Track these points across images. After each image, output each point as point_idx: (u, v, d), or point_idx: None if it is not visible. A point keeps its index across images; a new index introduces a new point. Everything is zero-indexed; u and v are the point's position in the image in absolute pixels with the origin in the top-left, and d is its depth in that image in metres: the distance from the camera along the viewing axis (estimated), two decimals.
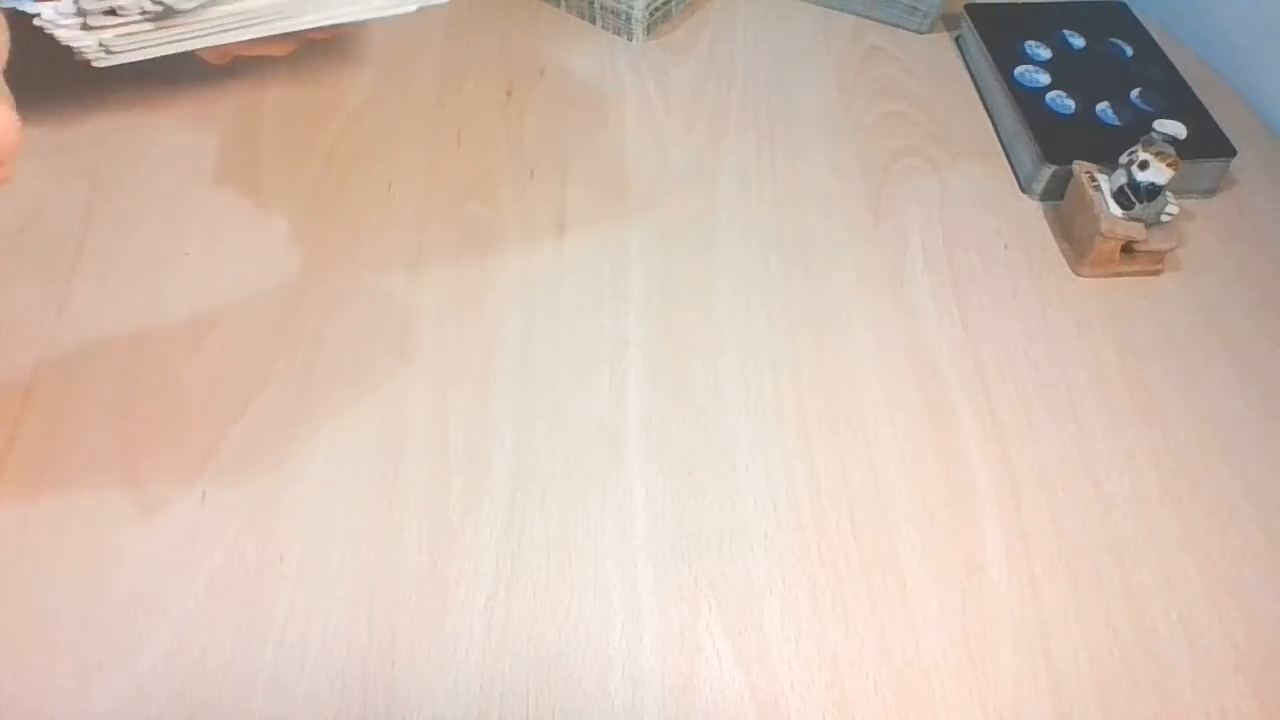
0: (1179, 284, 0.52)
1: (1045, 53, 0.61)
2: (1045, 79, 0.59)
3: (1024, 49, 0.61)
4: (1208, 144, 0.56)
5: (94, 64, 0.40)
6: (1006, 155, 0.58)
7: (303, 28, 0.42)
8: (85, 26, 0.39)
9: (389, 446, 0.42)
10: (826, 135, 0.58)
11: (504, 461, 0.42)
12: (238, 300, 0.46)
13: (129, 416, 0.42)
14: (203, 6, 0.40)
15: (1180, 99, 0.59)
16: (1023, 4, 0.65)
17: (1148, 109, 0.58)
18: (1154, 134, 0.50)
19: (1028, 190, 0.56)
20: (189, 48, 0.40)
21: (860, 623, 0.38)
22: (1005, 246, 0.53)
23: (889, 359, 0.47)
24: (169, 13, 0.39)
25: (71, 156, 0.51)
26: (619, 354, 0.46)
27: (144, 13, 0.39)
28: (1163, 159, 0.48)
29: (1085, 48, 0.62)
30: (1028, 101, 0.58)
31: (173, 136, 0.52)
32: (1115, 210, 0.50)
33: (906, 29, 0.66)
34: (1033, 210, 0.55)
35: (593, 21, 0.64)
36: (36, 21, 0.40)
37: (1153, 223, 0.50)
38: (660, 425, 0.44)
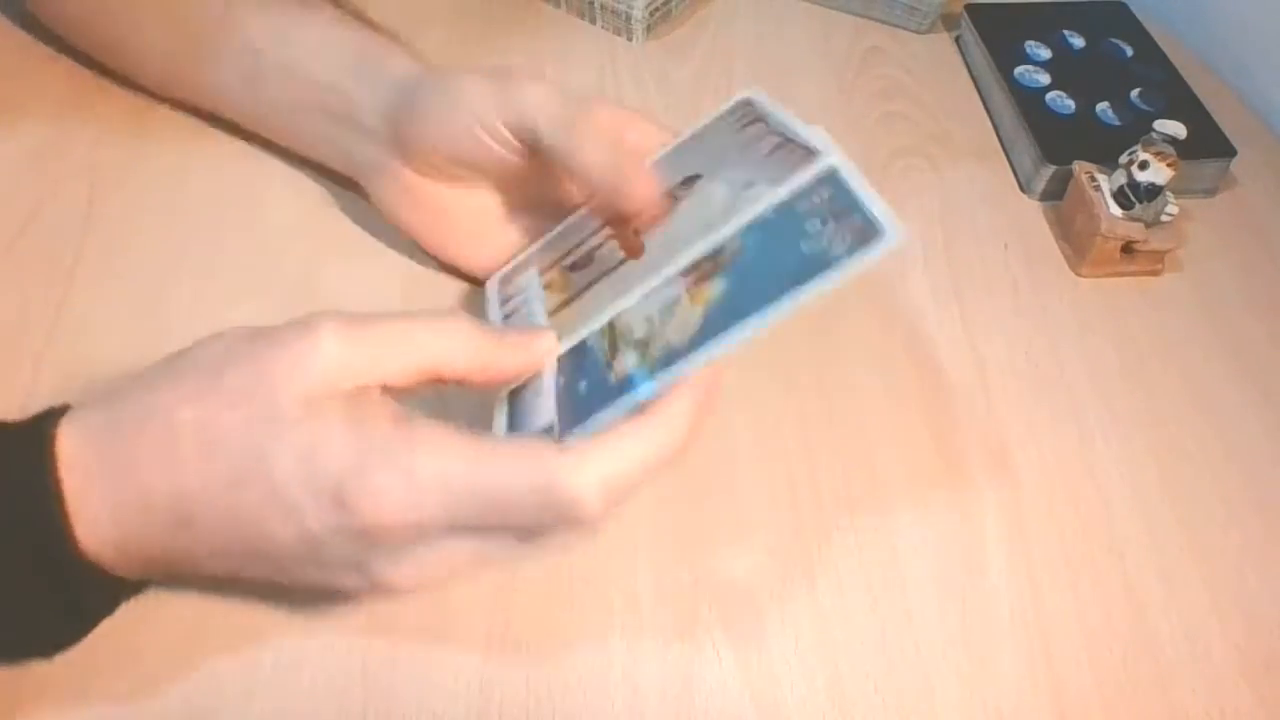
0: (1179, 284, 0.52)
1: (1045, 53, 0.61)
2: (1045, 79, 0.59)
3: (1024, 49, 0.61)
4: (1208, 144, 0.56)
5: None
6: (1006, 155, 0.58)
7: None
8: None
9: None
10: None
11: None
12: (238, 300, 0.46)
13: None
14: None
15: (1180, 99, 0.59)
16: (1023, 4, 0.65)
17: (1148, 109, 0.58)
18: (1154, 134, 0.50)
19: (1028, 190, 0.56)
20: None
21: (860, 623, 0.38)
22: (1005, 246, 0.53)
23: (889, 359, 0.47)
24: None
25: (71, 157, 0.51)
26: None
27: None
28: (1163, 159, 0.48)
29: (1085, 48, 0.62)
30: (1028, 101, 0.58)
31: (172, 137, 0.52)
32: (1115, 210, 0.50)
33: (906, 29, 0.66)
34: (1033, 210, 0.55)
35: (593, 21, 0.64)
36: None
37: (1153, 223, 0.50)
38: None
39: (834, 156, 0.34)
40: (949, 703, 0.37)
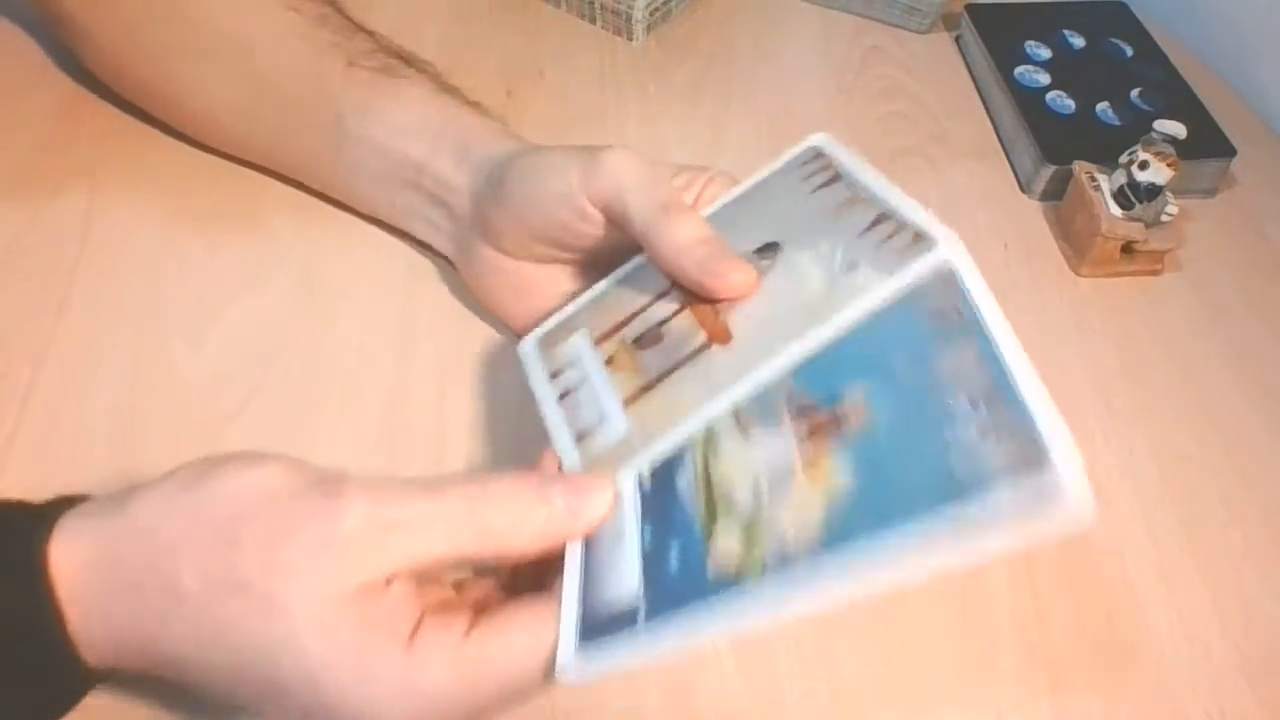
0: (1179, 284, 0.52)
1: (1045, 53, 0.61)
2: (1045, 79, 0.59)
3: (1024, 49, 0.61)
4: (1208, 144, 0.56)
5: None
6: (1006, 155, 0.58)
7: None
8: None
9: (391, 445, 0.42)
10: None
11: (506, 462, 0.42)
12: (238, 299, 0.46)
13: (129, 416, 0.42)
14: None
15: (1180, 99, 0.59)
16: (1023, 4, 0.65)
17: (1148, 109, 0.58)
18: (1154, 134, 0.50)
19: (1028, 190, 0.56)
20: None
21: (860, 622, 0.38)
22: (1005, 246, 0.53)
23: None
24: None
25: (71, 157, 0.51)
26: None
27: None
28: (1163, 159, 0.48)
29: (1085, 48, 0.62)
30: (1028, 101, 0.58)
31: (173, 137, 0.52)
32: (1115, 210, 0.50)
33: (906, 29, 0.66)
34: (1033, 210, 0.55)
35: (593, 21, 0.64)
36: None
37: (1153, 223, 0.50)
38: None
39: (955, 251, 0.29)
40: (949, 703, 0.37)
